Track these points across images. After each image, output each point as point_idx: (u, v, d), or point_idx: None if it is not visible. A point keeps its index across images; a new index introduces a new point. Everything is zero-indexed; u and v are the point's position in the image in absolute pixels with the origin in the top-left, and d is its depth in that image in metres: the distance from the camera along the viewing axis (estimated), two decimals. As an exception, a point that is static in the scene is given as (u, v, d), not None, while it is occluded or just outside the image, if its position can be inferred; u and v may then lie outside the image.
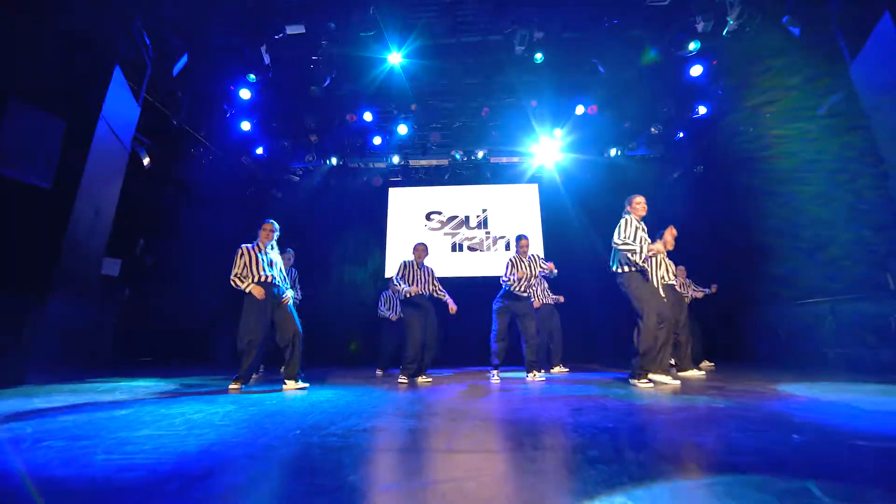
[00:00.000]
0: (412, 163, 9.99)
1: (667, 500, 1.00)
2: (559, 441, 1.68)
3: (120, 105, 5.07)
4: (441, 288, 5.49)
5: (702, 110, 7.79)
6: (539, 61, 6.39)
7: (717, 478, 1.14)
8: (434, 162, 10.13)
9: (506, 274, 5.22)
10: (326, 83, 6.98)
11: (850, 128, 5.06)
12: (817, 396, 2.81)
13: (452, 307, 5.33)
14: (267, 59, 6.15)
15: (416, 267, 5.37)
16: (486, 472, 1.28)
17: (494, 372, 5.01)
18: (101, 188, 4.85)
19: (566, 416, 2.25)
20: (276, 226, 4.57)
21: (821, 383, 3.58)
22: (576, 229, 9.89)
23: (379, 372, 7.09)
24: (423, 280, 5.33)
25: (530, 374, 5.02)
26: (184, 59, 6.00)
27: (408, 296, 5.15)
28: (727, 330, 8.10)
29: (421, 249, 5.49)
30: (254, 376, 6.06)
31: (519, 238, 5.43)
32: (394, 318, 7.21)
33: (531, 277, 5.27)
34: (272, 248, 4.49)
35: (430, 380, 5.01)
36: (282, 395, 3.49)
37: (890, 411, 2.23)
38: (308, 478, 1.21)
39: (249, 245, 4.35)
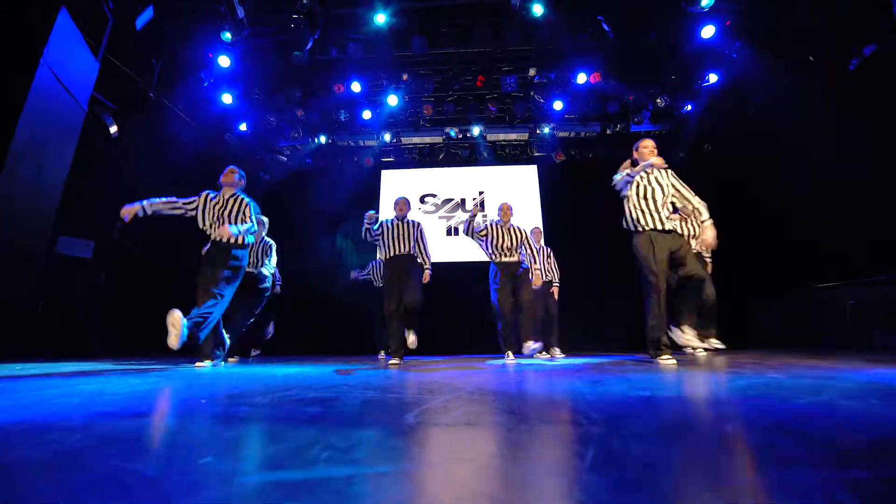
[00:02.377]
0: (404, 140, 9.42)
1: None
2: (579, 413, 1.14)
3: (70, 55, 4.51)
4: (426, 250, 4.84)
5: (712, 78, 7.21)
6: (538, 16, 5.81)
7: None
8: (427, 140, 9.57)
9: (477, 229, 4.97)
10: (309, 45, 6.42)
11: (886, 83, 4.51)
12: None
13: (426, 276, 4.79)
14: (241, 13, 5.58)
15: (394, 224, 4.79)
16: (459, 456, 0.75)
17: (509, 353, 4.50)
18: (45, 147, 4.29)
19: (583, 388, 1.72)
20: (241, 171, 4.06)
21: (880, 357, 3.04)
22: (577, 212, 9.35)
23: (382, 355, 6.72)
24: (401, 237, 4.70)
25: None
26: (149, 12, 5.43)
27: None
28: (736, 314, 7.58)
29: (402, 203, 4.92)
30: (230, 360, 5.44)
31: (501, 205, 5.07)
32: (358, 279, 7.13)
33: (510, 247, 4.82)
34: (235, 201, 3.94)
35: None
36: (236, 370, 2.95)
37: None
38: (129, 462, 0.68)
39: (211, 193, 3.94)
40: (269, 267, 5.53)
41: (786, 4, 5.34)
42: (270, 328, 6.44)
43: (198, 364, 3.48)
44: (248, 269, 5.39)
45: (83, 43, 4.74)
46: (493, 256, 4.85)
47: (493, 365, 3.77)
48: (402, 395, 1.62)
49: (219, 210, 3.87)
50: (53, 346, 6.27)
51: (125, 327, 7.26)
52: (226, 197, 3.96)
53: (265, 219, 5.64)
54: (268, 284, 5.69)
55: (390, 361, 4.38)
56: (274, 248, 5.60)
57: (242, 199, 4.01)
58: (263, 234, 5.52)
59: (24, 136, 3.89)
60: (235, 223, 3.86)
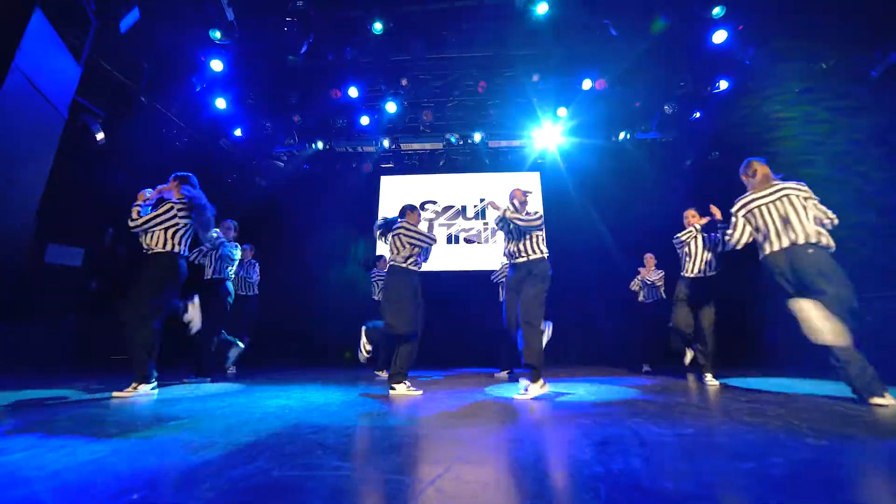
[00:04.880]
0: (404, 146, 9.19)
1: None
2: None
3: (46, 60, 4.25)
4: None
5: (723, 85, 6.94)
6: (542, 17, 5.55)
7: None
8: (427, 146, 9.33)
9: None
10: (304, 49, 6.17)
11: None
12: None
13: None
14: (231, 15, 5.33)
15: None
16: None
17: (525, 384, 3.49)
18: (19, 156, 4.05)
19: (590, 459, 1.45)
20: (185, 177, 3.98)
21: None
22: (581, 221, 9.09)
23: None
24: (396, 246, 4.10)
25: (524, 385, 3.45)
26: (134, 14, 5.18)
27: None
28: (739, 326, 7.27)
29: (413, 215, 4.25)
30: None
31: (513, 192, 3.98)
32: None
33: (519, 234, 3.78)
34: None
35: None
36: (198, 406, 2.67)
37: None
38: None
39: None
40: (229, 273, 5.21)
41: (804, 9, 5.08)
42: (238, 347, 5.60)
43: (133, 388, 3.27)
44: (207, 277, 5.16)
45: (62, 47, 4.49)
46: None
47: (495, 406, 3.50)
48: (377, 468, 1.36)
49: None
50: (38, 359, 6.08)
51: (118, 334, 7.01)
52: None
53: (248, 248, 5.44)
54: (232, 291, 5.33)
55: (392, 391, 3.72)
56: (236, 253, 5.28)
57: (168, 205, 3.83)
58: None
59: (-7, 146, 3.65)
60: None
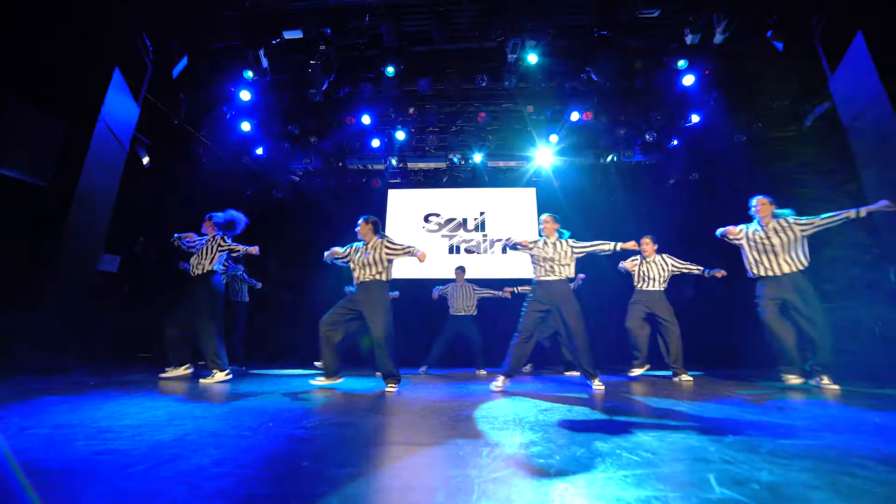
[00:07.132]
0: (410, 165, 10.09)
1: None
2: None
3: (119, 106, 5.19)
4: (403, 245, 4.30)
5: (695, 119, 7.84)
6: (533, 67, 6.48)
7: None
8: (432, 165, 10.23)
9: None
10: (324, 87, 7.08)
11: (834, 139, 5.13)
12: None
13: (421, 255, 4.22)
14: (265, 63, 6.26)
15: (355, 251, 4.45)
16: None
17: (501, 378, 4.13)
18: (99, 187, 4.96)
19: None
20: (216, 216, 4.99)
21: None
22: (574, 233, 9.89)
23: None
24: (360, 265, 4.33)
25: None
26: (183, 62, 6.12)
27: None
28: (722, 334, 8.11)
29: (364, 225, 4.42)
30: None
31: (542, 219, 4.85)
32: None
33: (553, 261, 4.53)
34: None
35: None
36: (262, 388, 3.55)
37: None
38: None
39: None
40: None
41: (756, 62, 5.99)
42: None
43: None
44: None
45: (128, 92, 5.42)
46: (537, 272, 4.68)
47: (478, 392, 4.37)
48: (396, 424, 2.24)
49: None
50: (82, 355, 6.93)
51: (146, 335, 7.89)
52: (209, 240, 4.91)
53: None
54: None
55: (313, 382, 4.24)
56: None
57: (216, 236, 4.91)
58: None
59: (86, 182, 4.57)
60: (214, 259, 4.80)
